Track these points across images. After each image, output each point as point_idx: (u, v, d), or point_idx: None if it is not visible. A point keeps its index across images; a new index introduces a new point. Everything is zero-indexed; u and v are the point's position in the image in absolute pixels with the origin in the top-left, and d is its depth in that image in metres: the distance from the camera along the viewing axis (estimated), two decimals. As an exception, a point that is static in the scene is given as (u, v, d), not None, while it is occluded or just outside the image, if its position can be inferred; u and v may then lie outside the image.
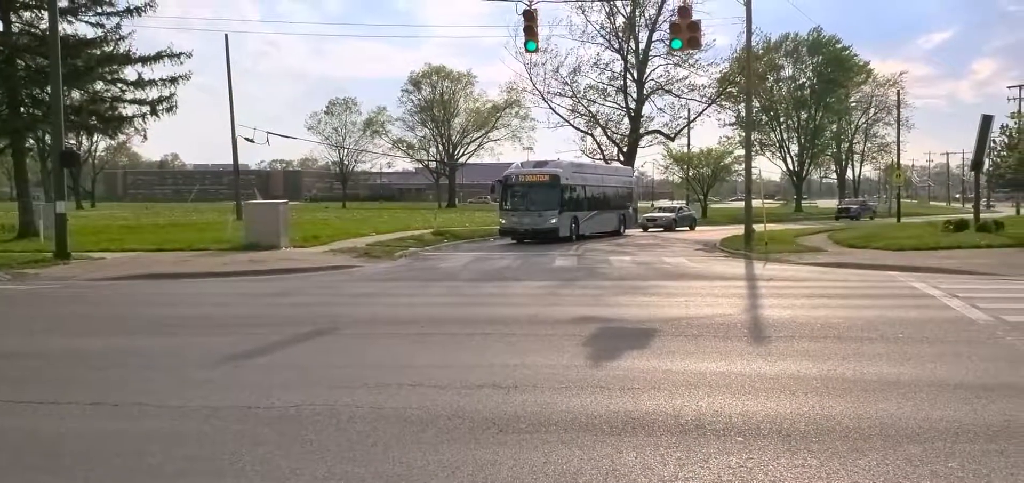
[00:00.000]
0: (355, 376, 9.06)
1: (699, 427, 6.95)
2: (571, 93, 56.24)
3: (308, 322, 13.25)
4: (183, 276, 21.79)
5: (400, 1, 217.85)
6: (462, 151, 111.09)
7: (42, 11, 32.21)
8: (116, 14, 34.14)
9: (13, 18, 33.31)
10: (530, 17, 23.97)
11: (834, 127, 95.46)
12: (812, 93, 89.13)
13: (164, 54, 34.48)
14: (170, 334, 12.37)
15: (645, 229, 47.29)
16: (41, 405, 8.06)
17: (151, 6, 33.95)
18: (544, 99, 55.79)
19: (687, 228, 48.32)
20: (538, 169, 36.94)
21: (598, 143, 58.28)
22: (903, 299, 15.69)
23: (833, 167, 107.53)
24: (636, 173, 55.85)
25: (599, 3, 53.91)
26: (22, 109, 33.74)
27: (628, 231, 43.18)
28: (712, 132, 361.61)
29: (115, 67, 34.83)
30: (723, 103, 59.43)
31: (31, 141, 37.15)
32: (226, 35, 63.02)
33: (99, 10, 34.08)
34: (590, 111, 57.32)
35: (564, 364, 9.51)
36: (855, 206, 71.17)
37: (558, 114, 56.39)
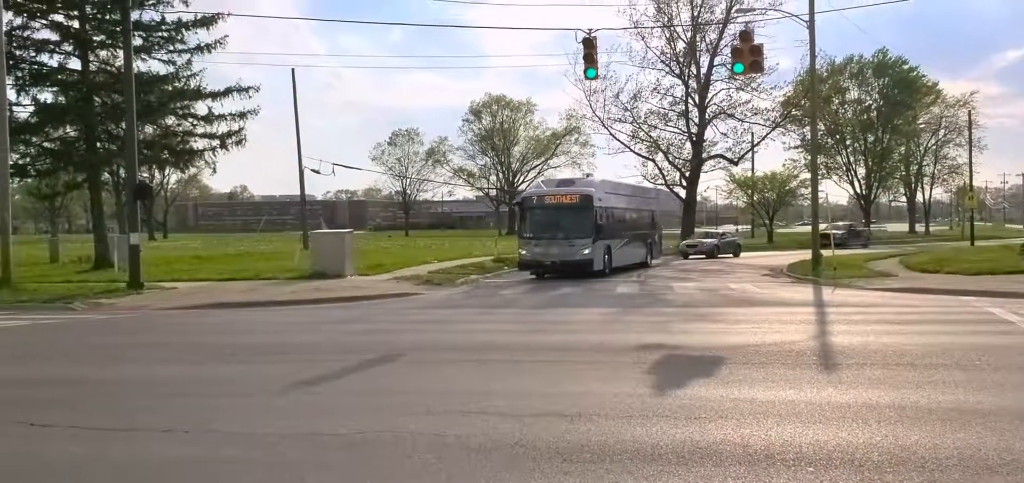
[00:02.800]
0: (419, 403, 9.09)
1: (768, 457, 6.79)
2: (631, 119, 56.03)
3: (373, 349, 13.37)
4: (252, 305, 22.22)
5: (461, 32, 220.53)
6: (522, 178, 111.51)
7: (117, 50, 33.42)
8: (187, 51, 35.29)
9: (90, 57, 34.68)
10: (589, 44, 24.03)
11: (902, 149, 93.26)
12: (879, 115, 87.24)
13: (233, 89, 35.48)
14: (239, 362, 12.60)
15: (686, 256, 45.61)
16: (114, 432, 8.27)
17: (221, 43, 35.00)
18: (604, 125, 55.66)
19: (731, 255, 47.23)
20: (566, 188, 32.18)
21: (660, 168, 57.94)
22: (980, 325, 15.17)
23: (902, 190, 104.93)
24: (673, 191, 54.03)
25: (659, 29, 53.76)
26: (98, 144, 35.04)
27: (655, 260, 38.44)
28: (777, 156, 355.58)
29: (186, 102, 35.96)
30: (787, 126, 58.52)
31: (106, 175, 38.47)
32: (292, 70, 64.64)
33: (171, 48, 35.26)
34: (651, 136, 57.01)
35: (628, 392, 9.40)
36: (840, 231, 56.00)
37: (619, 140, 56.21)
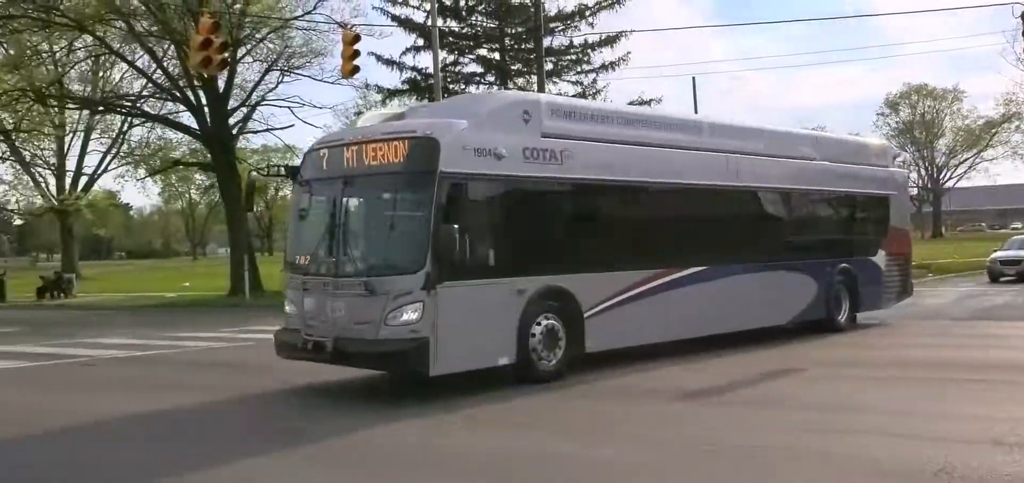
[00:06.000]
0: (820, 420, 8.50)
1: None
2: (1089, 97, 47.55)
3: (767, 362, 12.71)
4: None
5: (869, 21, 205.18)
6: (949, 174, 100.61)
7: (532, 76, 36.33)
8: (593, 71, 37.24)
9: (509, 84, 38.18)
10: (1029, 16, 20.81)
11: None
12: None
13: (635, 102, 36.61)
14: (636, 369, 12.81)
15: (995, 279, 28.53)
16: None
17: (624, 60, 36.41)
18: (1052, 108, 47.87)
19: None
20: (385, 130, 10.57)
21: None
22: None
23: None
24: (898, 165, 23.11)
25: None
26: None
27: (867, 311, 16.75)
28: None
29: (593, 120, 37.95)
30: None
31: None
32: (693, 78, 65.69)
33: (579, 69, 37.54)
34: (1116, 117, 47.91)
35: (1088, 421, 7.86)
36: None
37: (1072, 123, 47.99)
